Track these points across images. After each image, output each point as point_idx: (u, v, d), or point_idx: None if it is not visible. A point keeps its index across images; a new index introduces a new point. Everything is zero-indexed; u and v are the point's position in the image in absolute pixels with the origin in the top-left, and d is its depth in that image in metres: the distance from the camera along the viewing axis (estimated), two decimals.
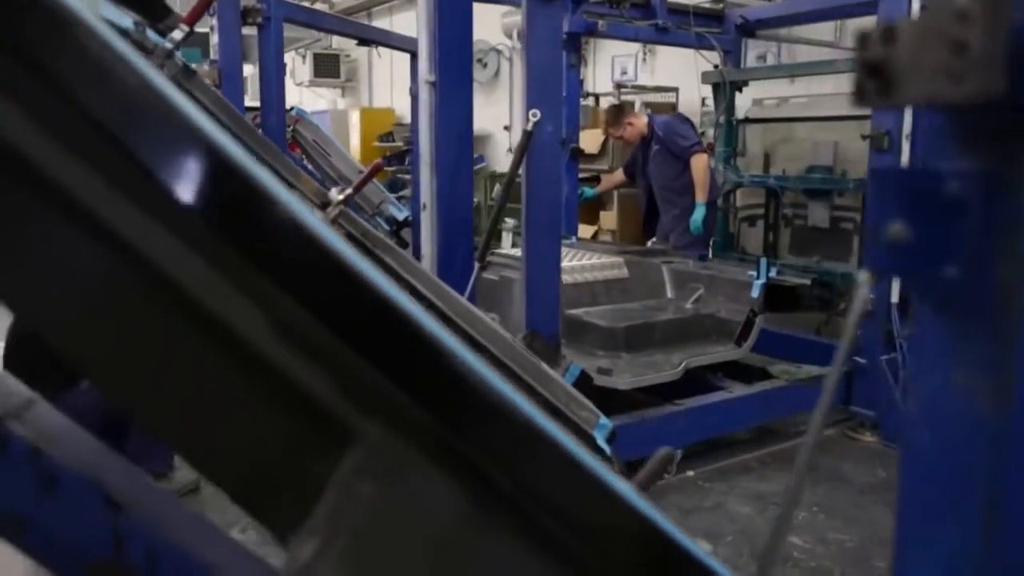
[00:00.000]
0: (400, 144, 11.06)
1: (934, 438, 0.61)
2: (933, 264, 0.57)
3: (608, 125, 5.93)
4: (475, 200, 5.28)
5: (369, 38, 6.14)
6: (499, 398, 0.63)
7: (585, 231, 7.03)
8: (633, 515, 0.68)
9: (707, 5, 5.91)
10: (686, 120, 5.87)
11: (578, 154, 5.85)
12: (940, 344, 0.60)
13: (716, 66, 5.91)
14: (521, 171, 3.19)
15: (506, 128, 10.56)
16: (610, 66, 9.27)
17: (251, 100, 5.80)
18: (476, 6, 3.33)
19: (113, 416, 2.52)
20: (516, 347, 2.22)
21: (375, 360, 0.60)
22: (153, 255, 0.57)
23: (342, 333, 0.60)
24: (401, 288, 0.71)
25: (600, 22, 5.19)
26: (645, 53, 8.81)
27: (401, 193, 8.04)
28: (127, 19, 1.76)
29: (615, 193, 7.25)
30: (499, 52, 10.57)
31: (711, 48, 5.77)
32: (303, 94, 13.00)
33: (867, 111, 4.47)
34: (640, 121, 5.75)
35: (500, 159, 10.57)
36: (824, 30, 6.85)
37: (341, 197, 2.24)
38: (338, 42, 12.74)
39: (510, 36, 9.63)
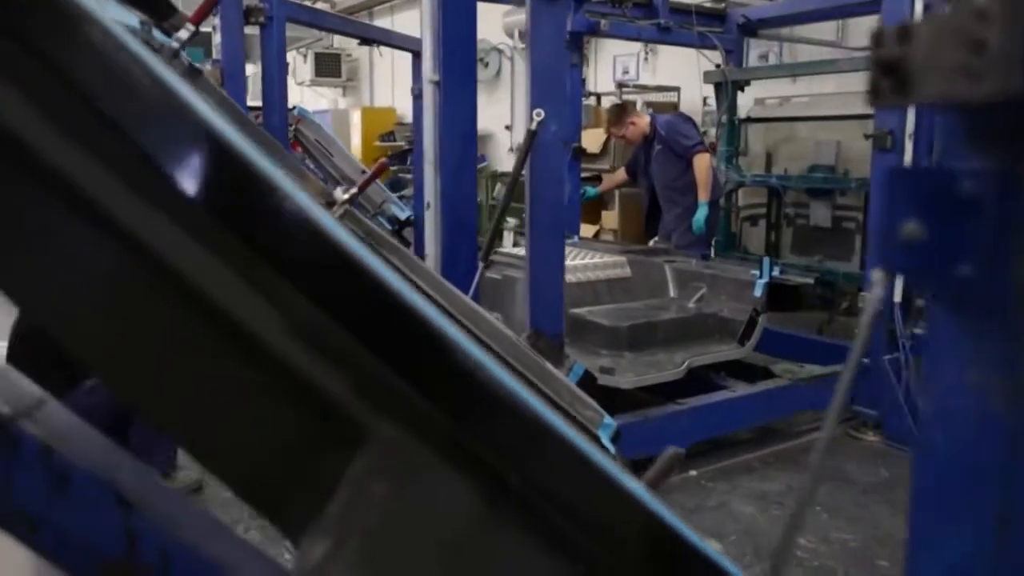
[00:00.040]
0: (402, 144, 11.06)
1: (948, 437, 0.61)
2: (947, 263, 0.57)
3: (610, 124, 5.93)
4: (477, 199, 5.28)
5: (371, 38, 6.14)
6: (512, 397, 0.63)
7: (587, 231, 7.03)
8: (644, 512, 0.68)
9: (709, 4, 5.92)
10: (688, 119, 5.86)
11: (580, 153, 5.85)
12: (954, 343, 0.60)
13: (718, 65, 5.91)
14: (524, 170, 3.19)
15: (507, 127, 10.57)
16: (611, 65, 9.27)
17: (252, 100, 5.80)
18: (478, 5, 3.34)
19: (115, 416, 2.52)
20: (520, 346, 2.22)
21: (389, 359, 0.60)
22: (169, 254, 0.57)
23: (356, 331, 0.60)
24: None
25: (602, 21, 5.19)
26: (647, 52, 8.81)
27: (402, 192, 8.04)
28: (133, 18, 1.76)
29: (616, 193, 7.25)
30: (500, 51, 10.57)
31: (713, 47, 5.77)
32: (304, 93, 13.00)
33: (869, 110, 4.47)
34: (642, 120, 5.75)
35: (501, 158, 10.58)
36: (826, 29, 6.85)
37: (346, 197, 2.24)
38: (339, 41, 12.74)
39: (511, 35, 9.64)
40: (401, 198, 7.22)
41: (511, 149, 10.62)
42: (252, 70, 6.86)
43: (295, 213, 0.59)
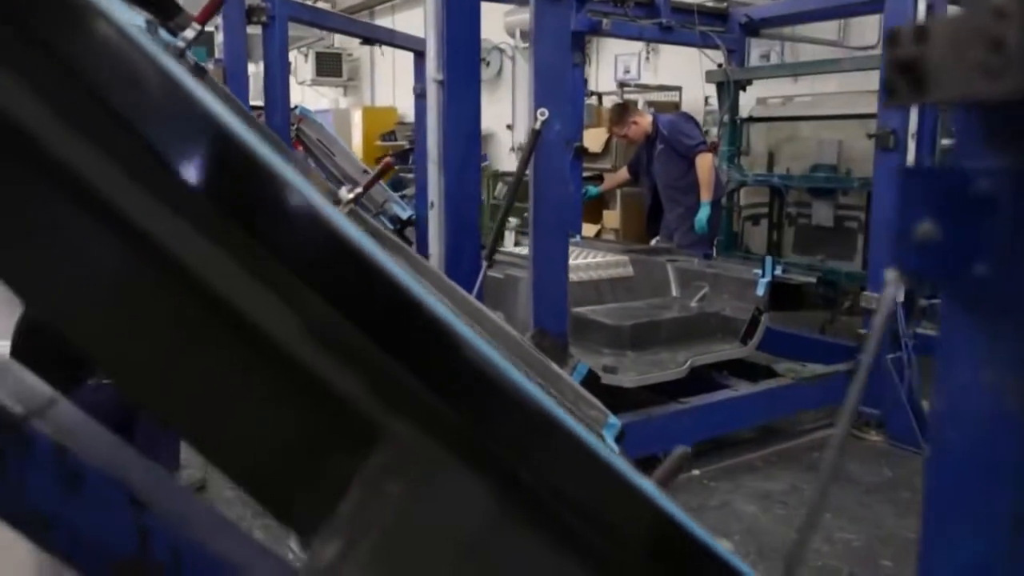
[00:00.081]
0: (403, 143, 11.06)
1: (961, 437, 0.61)
2: (962, 263, 0.57)
3: (613, 124, 5.93)
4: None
5: (374, 37, 6.14)
6: (525, 395, 0.63)
7: (588, 230, 7.03)
8: (657, 511, 0.68)
9: (711, 4, 5.91)
10: (691, 119, 5.86)
11: (581, 153, 5.85)
12: (968, 343, 0.60)
13: (720, 65, 5.91)
14: (527, 170, 3.19)
15: (508, 127, 10.56)
16: (613, 65, 9.27)
17: (254, 99, 5.80)
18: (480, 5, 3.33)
19: (121, 414, 2.52)
20: (524, 345, 2.22)
21: (402, 357, 0.60)
22: (181, 251, 0.57)
23: (369, 329, 0.60)
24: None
25: (604, 20, 5.18)
26: (648, 52, 8.81)
27: (403, 192, 8.03)
28: (139, 18, 1.75)
29: (618, 192, 7.25)
30: (502, 51, 10.57)
31: (715, 47, 5.77)
32: (305, 93, 13.00)
33: (872, 110, 4.48)
34: (644, 120, 5.75)
35: (503, 158, 10.58)
36: (828, 29, 6.85)
37: (351, 196, 2.24)
38: (340, 41, 12.74)
39: (513, 35, 9.63)
40: (403, 197, 7.21)
41: (512, 149, 10.62)
42: (253, 69, 6.86)
43: (308, 210, 0.59)
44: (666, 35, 5.59)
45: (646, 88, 8.33)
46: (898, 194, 0.58)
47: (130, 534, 0.66)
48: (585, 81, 6.83)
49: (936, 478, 0.64)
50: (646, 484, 0.68)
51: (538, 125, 3.00)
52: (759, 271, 4.34)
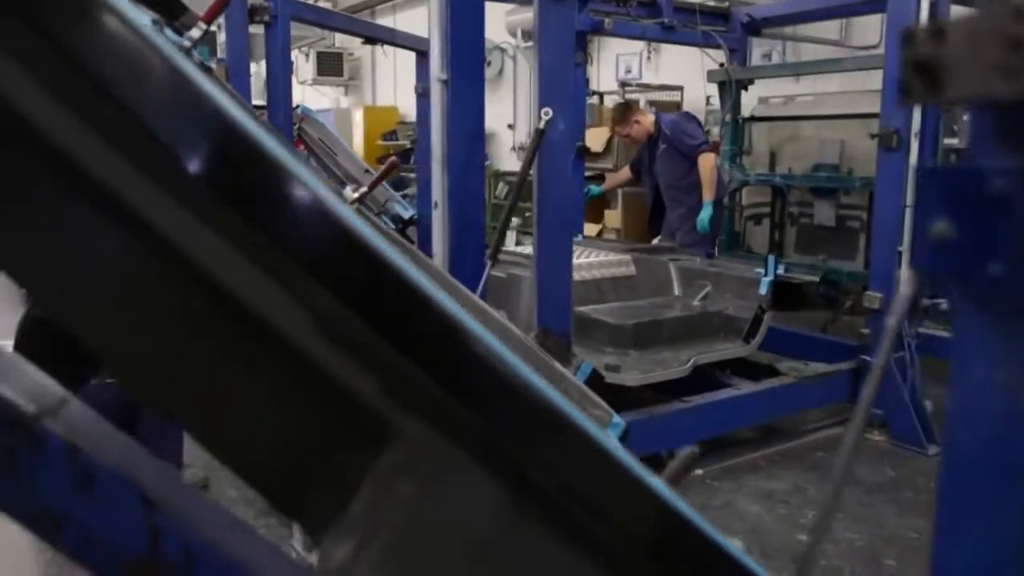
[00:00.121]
0: (404, 143, 11.06)
1: (975, 436, 0.61)
2: (977, 262, 0.57)
3: (615, 123, 5.93)
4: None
5: (376, 37, 6.13)
6: (538, 394, 0.63)
7: (589, 230, 7.03)
8: (669, 510, 0.68)
9: (713, 3, 5.90)
10: (693, 119, 5.86)
11: (583, 152, 5.84)
12: (982, 342, 0.60)
13: (721, 64, 5.90)
14: (531, 169, 3.19)
15: (510, 126, 10.56)
16: (614, 64, 9.27)
17: (256, 98, 5.80)
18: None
19: (122, 414, 2.51)
20: (528, 345, 2.22)
21: (415, 355, 0.60)
22: (191, 248, 0.57)
23: (381, 327, 0.59)
24: None
25: (606, 20, 5.19)
26: (649, 51, 8.81)
27: (405, 191, 8.03)
28: (145, 17, 1.75)
29: (619, 192, 7.25)
30: (503, 50, 10.57)
31: (717, 47, 5.77)
32: (306, 92, 13.00)
33: (873, 109, 4.47)
34: (647, 119, 5.75)
35: (504, 157, 10.57)
36: (830, 28, 6.85)
37: (356, 195, 2.24)
38: (341, 40, 12.74)
39: (514, 34, 9.63)
40: (404, 197, 7.21)
41: (513, 148, 10.62)
42: (254, 69, 6.86)
43: (320, 208, 0.59)
44: (668, 34, 5.59)
45: (647, 88, 8.33)
46: (914, 193, 0.58)
47: (141, 534, 0.66)
48: (587, 80, 6.83)
49: (949, 477, 0.64)
50: (658, 483, 0.68)
51: (542, 125, 3.00)
52: (761, 270, 4.34)
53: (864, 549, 3.12)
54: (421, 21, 5.76)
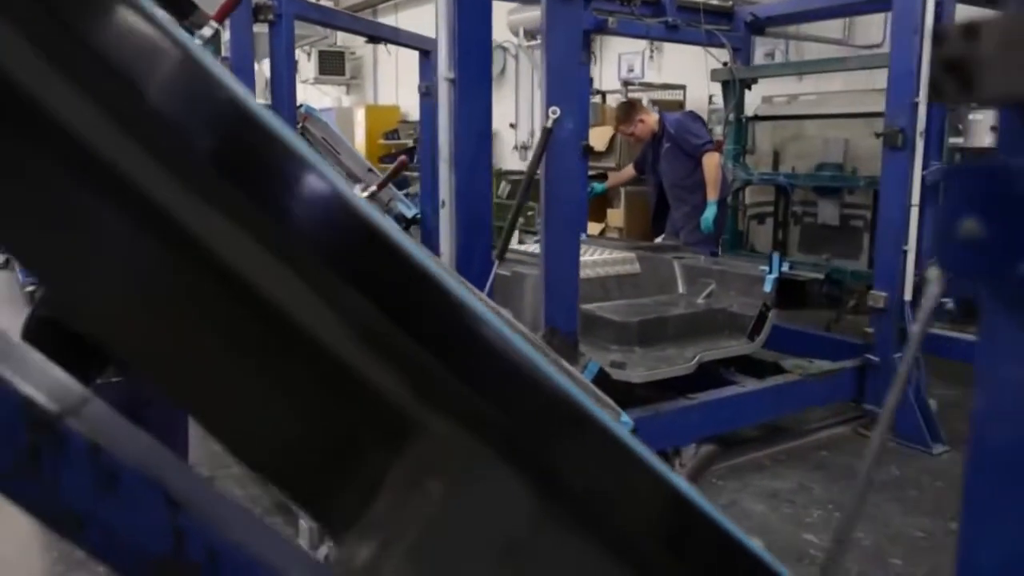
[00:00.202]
0: (407, 142, 11.06)
1: (1003, 435, 0.61)
2: (1006, 261, 0.56)
3: (619, 122, 5.92)
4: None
5: (379, 36, 6.13)
6: (563, 393, 0.63)
7: (592, 229, 7.03)
8: (696, 511, 0.68)
9: (716, 2, 5.90)
10: (698, 118, 5.85)
11: (587, 151, 5.84)
12: (1011, 341, 0.60)
13: (724, 63, 5.90)
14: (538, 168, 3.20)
15: (512, 126, 10.57)
16: (617, 63, 9.27)
17: (259, 98, 5.80)
18: None
19: (127, 413, 2.51)
20: (536, 343, 2.22)
21: (441, 352, 0.60)
22: (223, 251, 0.57)
23: (407, 324, 0.59)
24: None
25: (610, 19, 5.18)
26: (652, 50, 8.81)
27: (407, 191, 8.03)
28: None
29: (622, 191, 7.25)
30: (505, 49, 10.57)
31: (721, 45, 5.76)
32: (308, 91, 13.01)
33: (877, 108, 4.47)
34: (651, 118, 5.74)
35: (506, 157, 10.57)
36: (833, 27, 6.85)
37: (366, 195, 2.23)
38: (343, 39, 12.75)
39: (516, 33, 9.63)
40: (406, 196, 7.21)
41: (515, 147, 10.63)
42: (257, 68, 6.86)
43: (343, 204, 0.59)
44: (672, 34, 5.58)
45: (650, 87, 8.34)
46: (943, 192, 0.58)
47: (165, 534, 0.66)
48: (590, 80, 6.83)
49: (976, 475, 0.64)
50: (683, 484, 0.68)
51: (550, 123, 3.00)
52: (766, 268, 4.34)
53: (870, 548, 3.12)
54: (423, 20, 5.74)
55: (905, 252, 4.12)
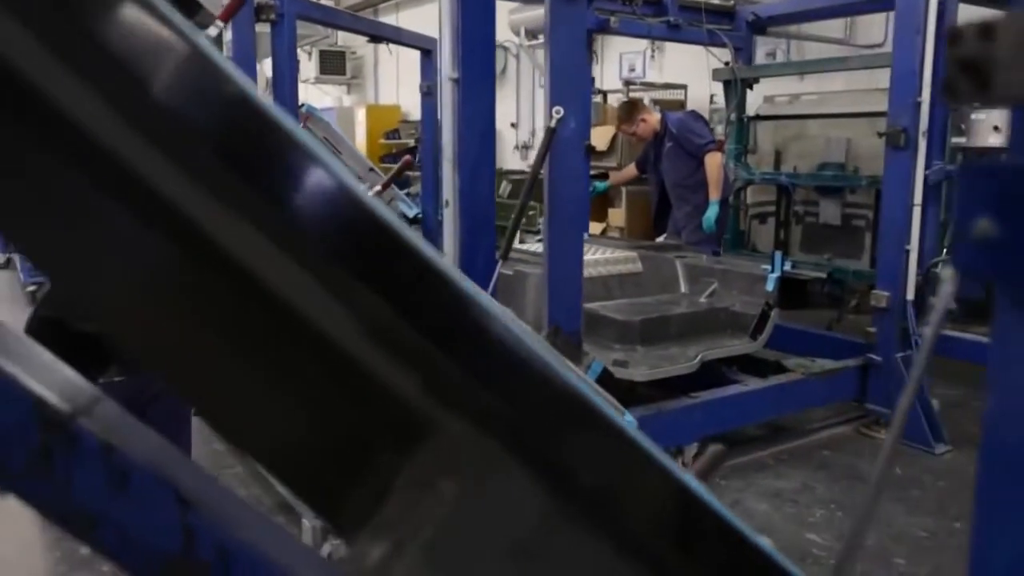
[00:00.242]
0: (408, 141, 11.07)
1: (1016, 435, 0.61)
2: (1021, 261, 0.56)
3: (621, 121, 5.92)
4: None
5: (381, 35, 6.13)
6: (579, 394, 0.63)
7: (593, 228, 7.03)
8: (708, 511, 0.68)
9: (718, 2, 5.90)
10: (700, 118, 5.85)
11: (588, 151, 5.83)
12: None
13: (726, 63, 5.90)
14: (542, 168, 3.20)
15: (512, 125, 10.57)
16: (618, 63, 9.27)
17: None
18: None
19: (130, 411, 2.51)
20: (539, 342, 2.21)
21: (454, 351, 0.60)
22: (238, 253, 0.57)
23: (421, 324, 0.59)
24: None
25: (612, 19, 5.17)
26: (653, 50, 8.81)
27: (408, 190, 8.03)
28: None
29: (623, 190, 7.24)
30: (506, 49, 10.56)
31: (722, 45, 5.76)
32: (309, 91, 13.02)
33: (879, 108, 4.47)
34: (653, 118, 5.74)
35: (507, 156, 10.57)
36: (834, 27, 6.84)
37: (372, 194, 2.23)
38: (344, 39, 12.75)
39: (517, 33, 9.62)
40: (407, 195, 7.21)
41: (516, 147, 10.63)
42: (258, 68, 6.85)
43: (356, 204, 0.59)
44: (673, 33, 5.58)
45: (651, 86, 8.33)
46: (958, 191, 0.58)
47: (176, 533, 0.66)
48: (592, 79, 6.82)
49: (989, 475, 0.64)
50: (695, 483, 0.68)
51: (554, 123, 3.00)
52: (768, 267, 4.34)
53: (873, 548, 3.11)
54: (424, 19, 5.73)
55: (907, 252, 4.12)
